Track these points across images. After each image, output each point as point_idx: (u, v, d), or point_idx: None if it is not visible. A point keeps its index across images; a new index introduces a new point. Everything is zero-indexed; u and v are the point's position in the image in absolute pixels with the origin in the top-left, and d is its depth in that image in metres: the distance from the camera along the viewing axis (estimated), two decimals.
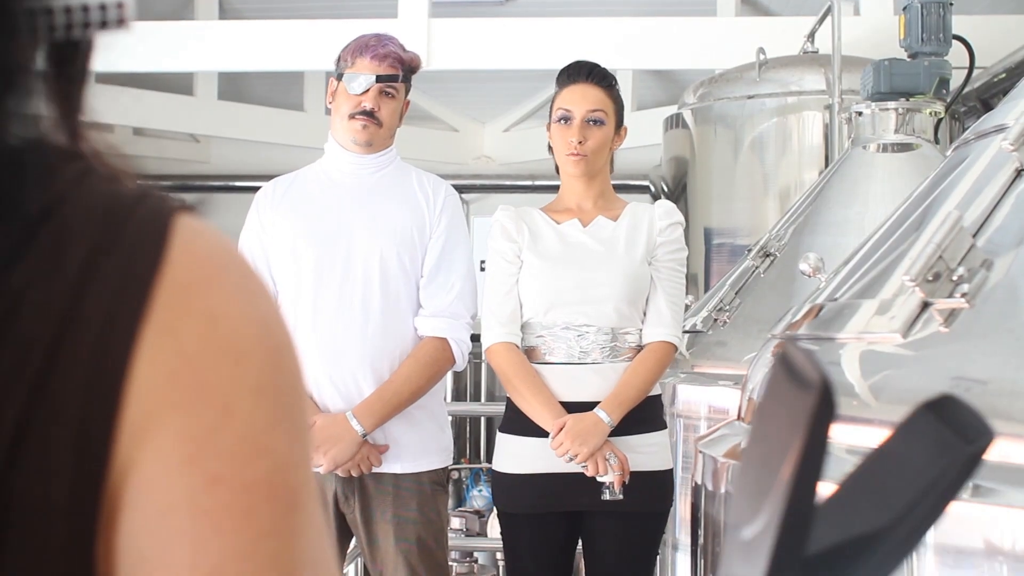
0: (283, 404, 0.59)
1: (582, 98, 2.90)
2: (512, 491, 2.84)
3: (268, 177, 3.04)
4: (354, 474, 2.80)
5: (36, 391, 0.54)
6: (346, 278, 2.81)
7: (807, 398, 0.56)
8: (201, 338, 0.57)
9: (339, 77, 2.90)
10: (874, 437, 1.54)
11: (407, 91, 2.95)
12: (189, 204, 0.61)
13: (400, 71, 2.88)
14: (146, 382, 0.55)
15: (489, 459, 3.26)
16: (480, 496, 6.41)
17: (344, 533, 2.88)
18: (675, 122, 5.33)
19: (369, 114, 2.85)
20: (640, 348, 2.83)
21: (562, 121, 2.90)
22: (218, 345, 0.57)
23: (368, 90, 2.85)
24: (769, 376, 0.59)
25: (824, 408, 0.55)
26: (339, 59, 2.93)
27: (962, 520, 1.32)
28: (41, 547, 0.54)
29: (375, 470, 2.81)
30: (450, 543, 3.07)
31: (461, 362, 2.90)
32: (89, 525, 0.55)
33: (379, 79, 2.85)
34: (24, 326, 0.54)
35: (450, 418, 3.15)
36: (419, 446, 2.85)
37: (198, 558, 0.55)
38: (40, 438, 0.54)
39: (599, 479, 2.71)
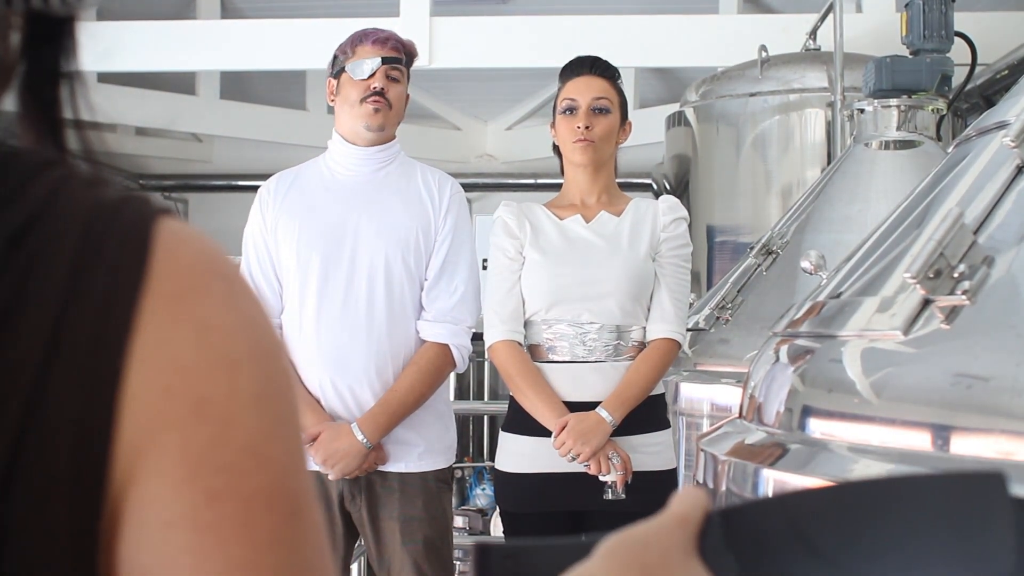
0: (278, 412, 0.58)
1: (586, 87, 2.90)
2: (514, 490, 2.83)
3: (271, 176, 3.02)
4: (360, 475, 2.81)
5: (29, 413, 0.53)
6: (351, 283, 2.80)
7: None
8: (193, 349, 0.56)
9: (338, 74, 2.91)
10: (876, 435, 1.54)
11: (408, 80, 2.96)
12: (169, 207, 0.60)
13: (402, 54, 2.91)
14: (141, 397, 0.55)
15: (492, 457, 3.25)
16: (483, 495, 6.41)
17: (350, 532, 2.88)
18: (677, 120, 5.33)
19: (380, 94, 2.85)
20: (644, 345, 2.82)
21: (567, 112, 2.89)
22: (211, 355, 0.56)
23: (375, 73, 2.85)
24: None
25: None
26: (335, 57, 2.94)
27: None
28: (43, 565, 0.53)
29: (381, 468, 2.82)
30: (454, 542, 3.07)
31: (462, 366, 2.90)
32: (90, 542, 0.54)
33: (384, 61, 2.86)
34: (11, 349, 0.54)
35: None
36: (425, 446, 2.86)
37: (201, 571, 0.55)
38: (35, 459, 0.53)
39: (601, 479, 2.71)
